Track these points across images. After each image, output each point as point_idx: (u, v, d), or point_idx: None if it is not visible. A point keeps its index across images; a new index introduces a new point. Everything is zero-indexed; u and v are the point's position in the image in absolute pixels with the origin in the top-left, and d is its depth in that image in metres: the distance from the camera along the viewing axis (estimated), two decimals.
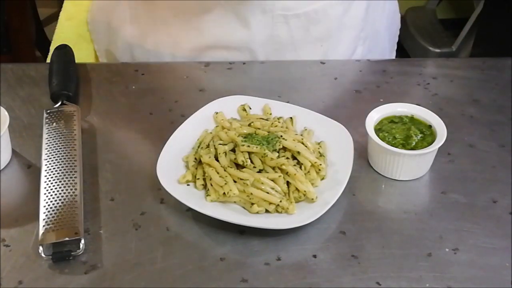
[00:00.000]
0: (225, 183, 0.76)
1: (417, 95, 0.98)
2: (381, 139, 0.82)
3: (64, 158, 0.81)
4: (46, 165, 0.80)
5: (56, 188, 0.77)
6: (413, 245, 0.75)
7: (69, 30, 1.18)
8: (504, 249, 0.75)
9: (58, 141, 0.84)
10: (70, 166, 0.80)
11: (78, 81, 0.98)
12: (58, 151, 0.82)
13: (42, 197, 0.76)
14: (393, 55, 1.25)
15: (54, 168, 0.80)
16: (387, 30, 1.19)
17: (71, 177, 0.79)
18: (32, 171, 0.84)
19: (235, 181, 0.77)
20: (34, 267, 0.72)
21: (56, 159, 0.81)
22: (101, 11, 1.15)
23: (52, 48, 1.13)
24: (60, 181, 0.78)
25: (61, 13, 1.21)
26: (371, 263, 0.73)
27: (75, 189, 0.77)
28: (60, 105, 0.91)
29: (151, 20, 1.07)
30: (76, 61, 1.01)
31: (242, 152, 0.79)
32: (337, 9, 1.05)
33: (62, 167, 0.80)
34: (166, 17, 1.05)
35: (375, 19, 1.12)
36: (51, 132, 0.85)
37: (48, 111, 0.89)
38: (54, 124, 0.86)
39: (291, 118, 0.88)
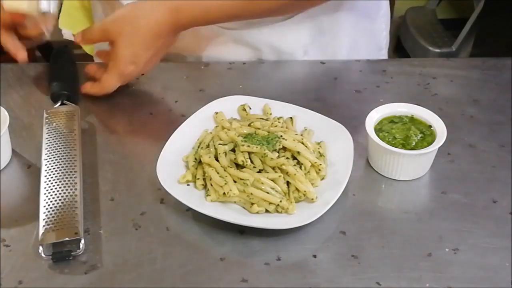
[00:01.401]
0: (225, 183, 0.76)
1: (417, 95, 0.98)
2: (381, 139, 0.82)
3: (64, 158, 0.81)
4: (46, 165, 0.80)
5: (56, 188, 0.77)
6: (413, 245, 0.75)
7: None
8: (504, 249, 0.75)
9: (58, 141, 0.84)
10: (70, 166, 0.80)
11: (78, 81, 0.98)
12: (58, 151, 0.82)
13: (42, 197, 0.76)
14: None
15: (54, 168, 0.80)
16: (356, 54, 1.12)
17: (71, 177, 0.79)
18: (32, 171, 0.84)
19: (235, 181, 0.77)
20: (34, 267, 0.72)
21: (56, 159, 0.81)
22: None
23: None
24: (60, 181, 0.78)
25: None
26: (371, 263, 0.73)
27: (75, 189, 0.77)
28: (60, 105, 0.91)
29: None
30: (77, 24, 1.01)
31: (242, 152, 0.79)
32: (270, 34, 1.03)
33: (62, 167, 0.80)
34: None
35: (333, 46, 1.09)
36: (51, 132, 0.85)
37: (48, 111, 0.89)
38: (54, 124, 0.86)
39: (291, 118, 0.88)
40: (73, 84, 0.96)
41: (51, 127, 0.86)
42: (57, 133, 0.85)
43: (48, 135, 0.85)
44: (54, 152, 0.82)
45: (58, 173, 0.79)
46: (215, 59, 1.05)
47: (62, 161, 0.81)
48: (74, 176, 0.79)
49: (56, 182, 0.78)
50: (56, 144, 0.83)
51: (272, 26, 1.02)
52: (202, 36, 1.03)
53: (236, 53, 1.05)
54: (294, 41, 1.05)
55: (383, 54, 1.18)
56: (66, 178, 0.79)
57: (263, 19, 1.01)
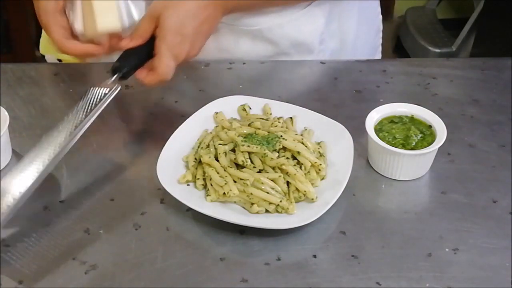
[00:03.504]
0: (225, 183, 0.76)
1: (417, 95, 0.98)
2: (381, 139, 0.82)
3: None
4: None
5: None
6: (413, 245, 0.75)
7: None
8: (504, 249, 0.75)
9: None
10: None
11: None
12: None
13: None
14: (377, 57, 1.21)
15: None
16: (362, 37, 1.13)
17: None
18: None
19: (235, 181, 0.77)
20: (34, 267, 0.72)
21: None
22: None
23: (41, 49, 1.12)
24: None
25: None
26: (371, 263, 0.73)
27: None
28: (114, 79, 0.84)
29: None
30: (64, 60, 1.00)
31: (242, 152, 0.79)
32: (283, 28, 1.03)
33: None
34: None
35: (341, 31, 1.09)
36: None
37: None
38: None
39: (291, 118, 0.88)
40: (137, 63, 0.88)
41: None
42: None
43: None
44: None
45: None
46: (235, 58, 1.05)
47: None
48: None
49: None
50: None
51: (290, 19, 1.02)
52: (222, 37, 1.03)
53: (254, 50, 1.04)
54: (311, 30, 1.04)
55: (380, 37, 1.19)
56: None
57: (281, 12, 1.00)
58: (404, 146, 0.83)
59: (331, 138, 0.85)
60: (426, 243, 0.75)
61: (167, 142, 0.83)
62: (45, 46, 1.15)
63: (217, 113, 0.89)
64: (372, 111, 0.86)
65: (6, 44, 2.08)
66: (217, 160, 0.79)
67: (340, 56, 1.09)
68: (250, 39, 1.03)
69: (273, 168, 0.79)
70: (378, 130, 0.85)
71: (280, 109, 0.90)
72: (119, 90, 0.96)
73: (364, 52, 1.14)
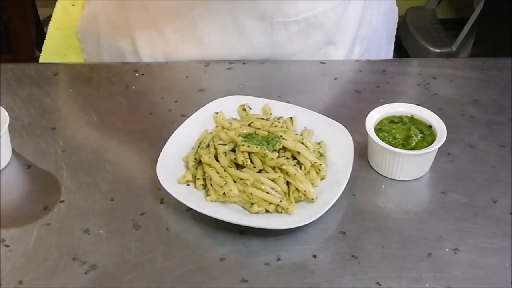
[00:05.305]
0: (225, 183, 0.76)
1: (417, 95, 0.98)
2: (381, 139, 0.82)
3: None
4: None
5: None
6: (413, 245, 0.75)
7: (58, 40, 1.15)
8: (504, 249, 0.75)
9: None
10: None
11: None
12: None
13: None
14: (390, 50, 1.23)
15: None
16: (384, 27, 1.17)
17: None
18: (32, 171, 0.84)
19: (235, 181, 0.77)
20: (34, 267, 0.72)
21: None
22: (91, 19, 1.11)
23: (42, 59, 1.12)
24: None
25: (51, 23, 1.17)
26: (371, 263, 0.73)
27: None
28: None
29: (145, 29, 1.05)
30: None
31: (242, 152, 0.79)
32: (335, 12, 1.04)
33: None
34: (161, 25, 1.04)
35: (371, 18, 1.11)
36: None
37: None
38: None
39: (291, 118, 0.88)
40: None
41: None
42: None
43: None
44: None
45: None
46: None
47: None
48: None
49: None
50: None
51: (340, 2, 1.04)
52: (275, 33, 1.03)
53: (307, 44, 1.05)
54: (354, 14, 1.07)
55: (391, 48, 1.23)
56: None
57: None
58: (404, 146, 0.83)
59: (331, 138, 0.85)
60: (426, 243, 0.75)
61: (167, 142, 0.83)
62: (46, 56, 1.15)
63: (217, 113, 0.89)
64: (372, 111, 0.86)
65: (6, 44, 2.07)
66: (217, 160, 0.79)
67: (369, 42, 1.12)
68: (304, 31, 1.03)
69: (273, 168, 0.79)
70: (378, 130, 0.85)
71: (280, 109, 0.90)
72: (119, 90, 0.97)
73: (382, 38, 1.18)
